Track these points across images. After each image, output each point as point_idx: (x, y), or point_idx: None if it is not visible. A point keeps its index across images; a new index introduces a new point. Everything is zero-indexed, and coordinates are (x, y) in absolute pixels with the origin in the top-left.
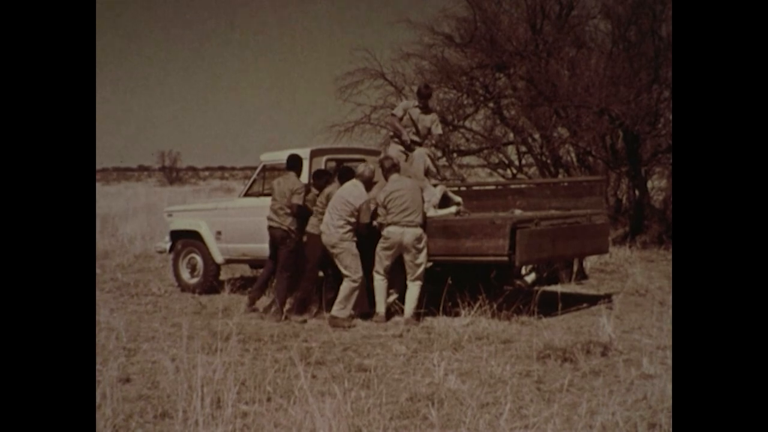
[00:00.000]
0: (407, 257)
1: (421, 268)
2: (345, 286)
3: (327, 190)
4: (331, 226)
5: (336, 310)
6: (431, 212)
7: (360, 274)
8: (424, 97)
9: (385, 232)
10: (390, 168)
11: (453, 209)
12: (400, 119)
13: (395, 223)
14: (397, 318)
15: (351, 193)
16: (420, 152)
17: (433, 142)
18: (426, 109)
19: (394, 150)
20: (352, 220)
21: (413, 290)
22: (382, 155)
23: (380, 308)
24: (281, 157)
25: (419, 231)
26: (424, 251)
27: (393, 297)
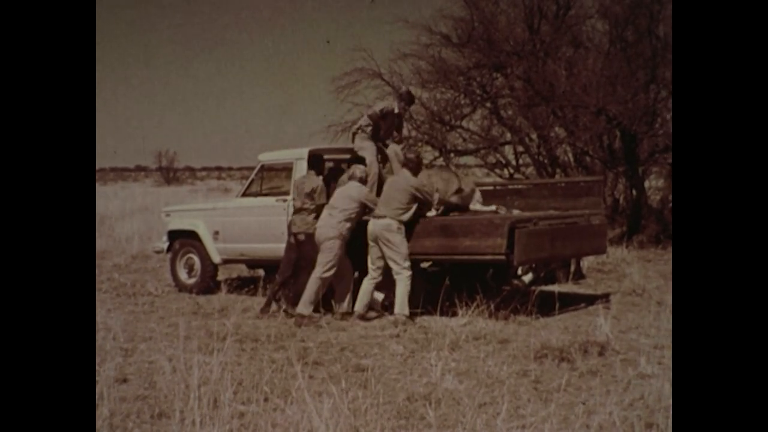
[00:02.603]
0: (383, 249)
1: (398, 261)
2: (312, 283)
3: (310, 184)
4: (333, 219)
5: (301, 307)
6: (477, 207)
7: (329, 274)
8: (408, 103)
9: None
10: (415, 165)
11: (493, 207)
12: (381, 118)
13: (372, 217)
14: (388, 316)
15: (352, 190)
16: (395, 149)
17: (401, 141)
18: (400, 115)
19: (366, 146)
20: (353, 216)
21: (398, 286)
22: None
23: (357, 307)
24: (279, 157)
25: (386, 221)
26: (396, 244)
27: (380, 296)
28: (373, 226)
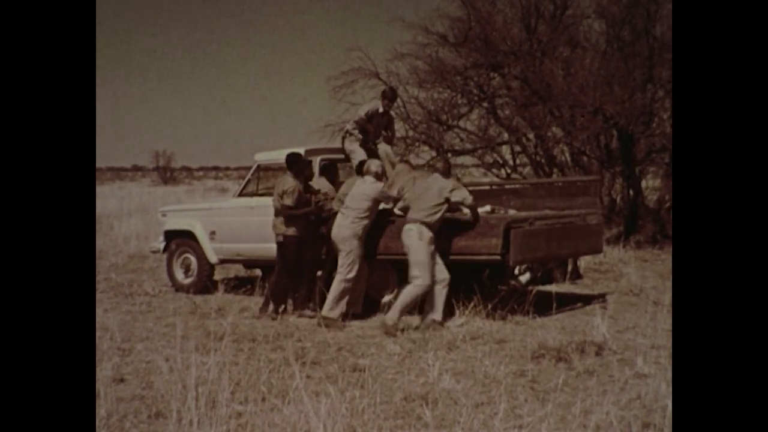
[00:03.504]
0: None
1: (412, 267)
2: (336, 285)
3: (282, 185)
4: (347, 220)
5: (326, 309)
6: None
7: (353, 275)
8: (391, 100)
9: None
10: (446, 168)
11: (488, 207)
12: (368, 122)
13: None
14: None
15: (366, 186)
16: (385, 148)
17: (392, 141)
18: (387, 113)
19: (356, 149)
20: (367, 214)
21: (405, 289)
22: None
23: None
24: (276, 156)
25: (407, 226)
26: (413, 250)
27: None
28: (402, 230)
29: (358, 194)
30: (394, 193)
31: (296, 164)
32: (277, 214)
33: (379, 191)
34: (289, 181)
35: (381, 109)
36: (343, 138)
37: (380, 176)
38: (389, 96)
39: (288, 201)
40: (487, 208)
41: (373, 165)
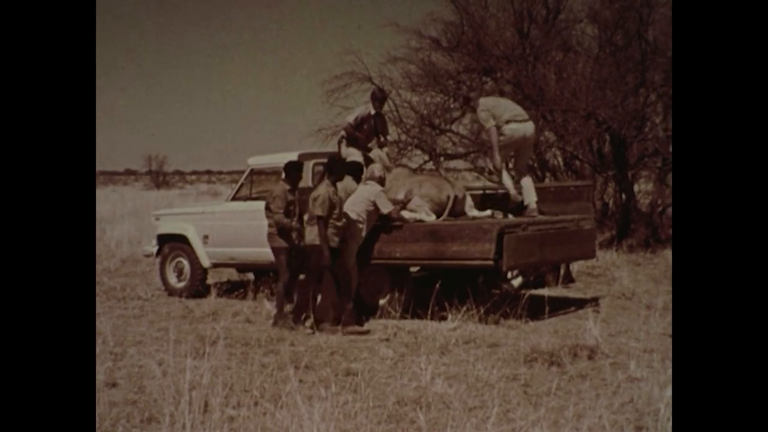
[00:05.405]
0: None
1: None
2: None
3: (316, 192)
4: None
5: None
6: (474, 212)
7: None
8: (380, 101)
9: None
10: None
11: (488, 212)
12: (357, 129)
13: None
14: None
15: (365, 189)
16: (378, 153)
17: (386, 144)
18: (379, 115)
19: (354, 153)
20: (364, 216)
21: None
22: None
23: None
24: (269, 161)
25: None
26: None
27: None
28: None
29: (358, 196)
30: (400, 196)
31: (336, 168)
32: (308, 222)
33: (376, 193)
34: (321, 188)
35: (372, 111)
36: (339, 142)
37: (382, 181)
38: (378, 97)
39: (317, 210)
40: (488, 212)
41: (377, 170)
